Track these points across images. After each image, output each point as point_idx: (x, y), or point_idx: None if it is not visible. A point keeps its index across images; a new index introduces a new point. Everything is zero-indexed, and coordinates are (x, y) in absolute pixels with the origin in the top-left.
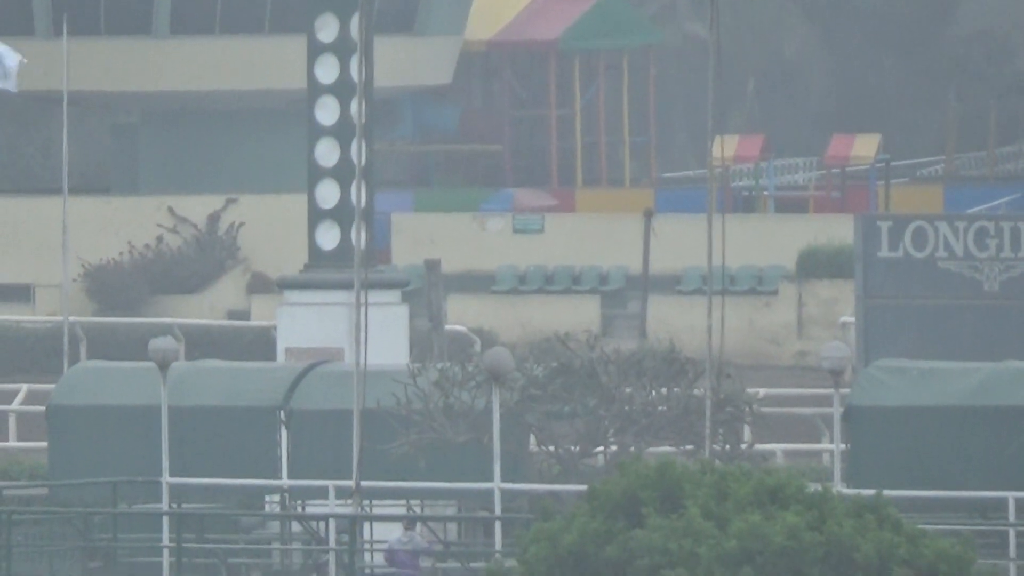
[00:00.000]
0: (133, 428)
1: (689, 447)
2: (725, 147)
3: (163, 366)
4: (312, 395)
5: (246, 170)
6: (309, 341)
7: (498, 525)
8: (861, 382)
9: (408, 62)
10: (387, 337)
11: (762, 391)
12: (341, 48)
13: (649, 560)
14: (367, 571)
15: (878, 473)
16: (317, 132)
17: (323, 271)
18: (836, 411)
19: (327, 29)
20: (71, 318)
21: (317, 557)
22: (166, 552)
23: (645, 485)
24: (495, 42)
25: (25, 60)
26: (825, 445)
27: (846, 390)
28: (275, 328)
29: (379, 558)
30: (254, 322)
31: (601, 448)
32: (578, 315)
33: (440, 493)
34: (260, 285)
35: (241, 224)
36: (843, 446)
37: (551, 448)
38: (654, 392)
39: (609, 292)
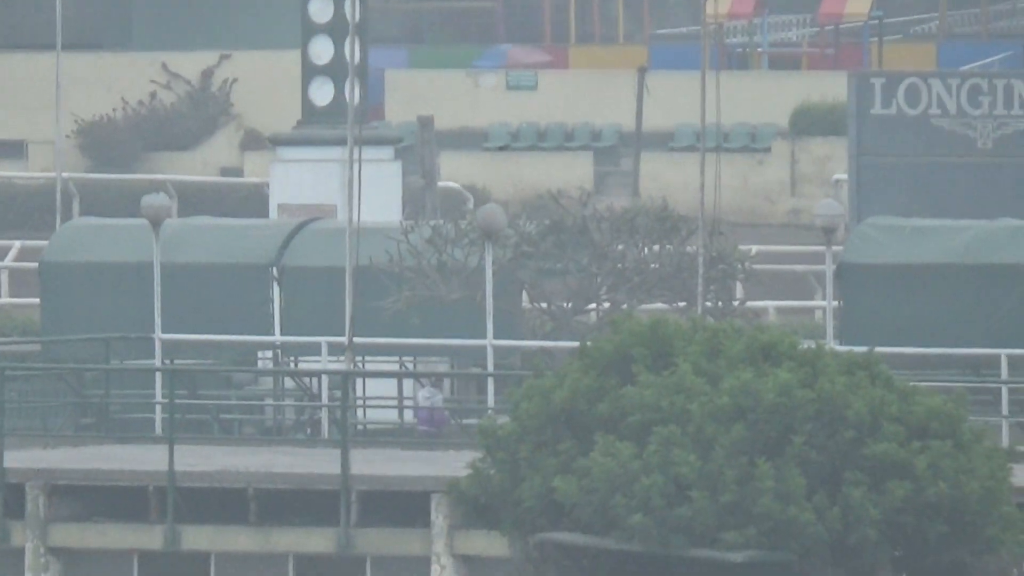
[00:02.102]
0: (126, 284)
1: (681, 304)
2: (719, 3)
3: (156, 223)
4: (305, 252)
5: (239, 26)
6: (302, 198)
7: (491, 381)
8: (854, 239)
9: None
10: (380, 194)
11: (755, 248)
12: None
13: (641, 416)
14: (359, 427)
15: (870, 330)
16: None
17: (316, 127)
18: (828, 268)
19: None
20: (64, 174)
21: (311, 413)
22: (158, 408)
23: (637, 342)
24: None
25: None
26: (817, 302)
27: (839, 247)
28: (268, 185)
29: (372, 414)
30: (247, 179)
31: (593, 305)
32: (571, 172)
33: (433, 350)
34: (253, 142)
35: (234, 80)
36: (835, 303)
37: (543, 305)
38: (646, 249)
39: (602, 149)
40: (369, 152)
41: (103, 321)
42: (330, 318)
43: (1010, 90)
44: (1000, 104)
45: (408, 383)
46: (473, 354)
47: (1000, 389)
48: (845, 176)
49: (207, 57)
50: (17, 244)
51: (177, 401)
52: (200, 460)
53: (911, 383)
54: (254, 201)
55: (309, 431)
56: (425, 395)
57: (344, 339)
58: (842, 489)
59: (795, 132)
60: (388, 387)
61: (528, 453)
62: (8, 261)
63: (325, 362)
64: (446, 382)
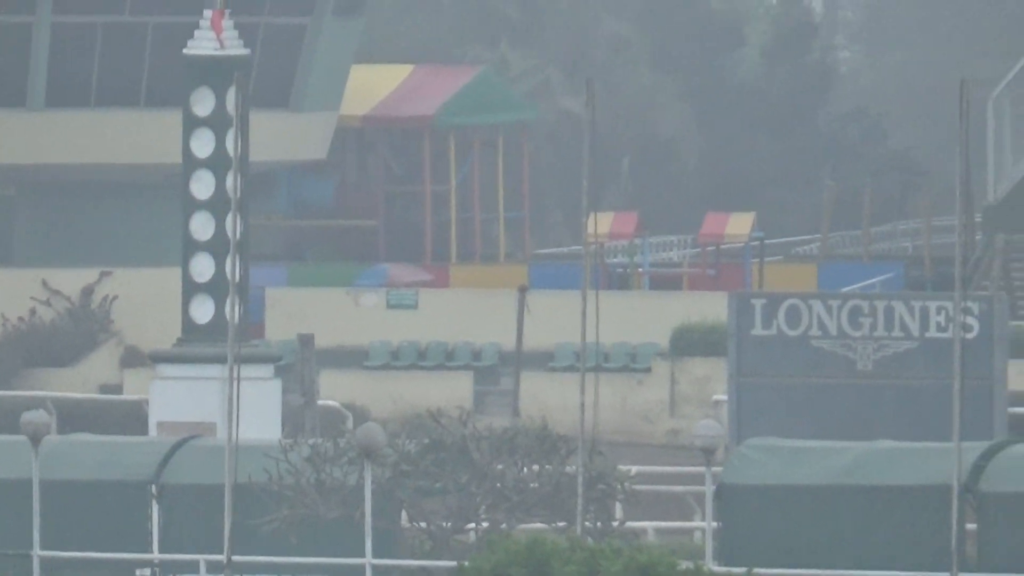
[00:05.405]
0: (4, 501)
1: (561, 524)
2: (600, 224)
3: (35, 439)
4: (184, 469)
5: (121, 243)
6: (181, 415)
7: None
8: (733, 460)
9: (284, 137)
10: (260, 412)
11: (634, 468)
12: (217, 122)
13: None
14: None
15: (750, 551)
16: (192, 206)
17: (196, 345)
18: (708, 489)
19: (203, 103)
20: None
21: None
22: None
23: (514, 562)
24: (370, 117)
25: None
26: (697, 523)
27: (718, 468)
28: (147, 402)
29: None
30: (127, 396)
31: (473, 525)
32: (451, 391)
33: (311, 568)
34: (133, 359)
35: (115, 297)
36: (715, 524)
37: (423, 524)
38: (526, 469)
39: (482, 368)
40: (249, 370)
41: None
42: (209, 536)
43: (891, 312)
44: (881, 326)
45: None
46: (352, 573)
47: None
48: (725, 397)
49: (87, 274)
50: None
51: None
52: None
53: None
54: (134, 418)
55: None
56: None
57: (223, 557)
58: None
59: (675, 352)
60: None
61: None
62: None
63: None
64: None
